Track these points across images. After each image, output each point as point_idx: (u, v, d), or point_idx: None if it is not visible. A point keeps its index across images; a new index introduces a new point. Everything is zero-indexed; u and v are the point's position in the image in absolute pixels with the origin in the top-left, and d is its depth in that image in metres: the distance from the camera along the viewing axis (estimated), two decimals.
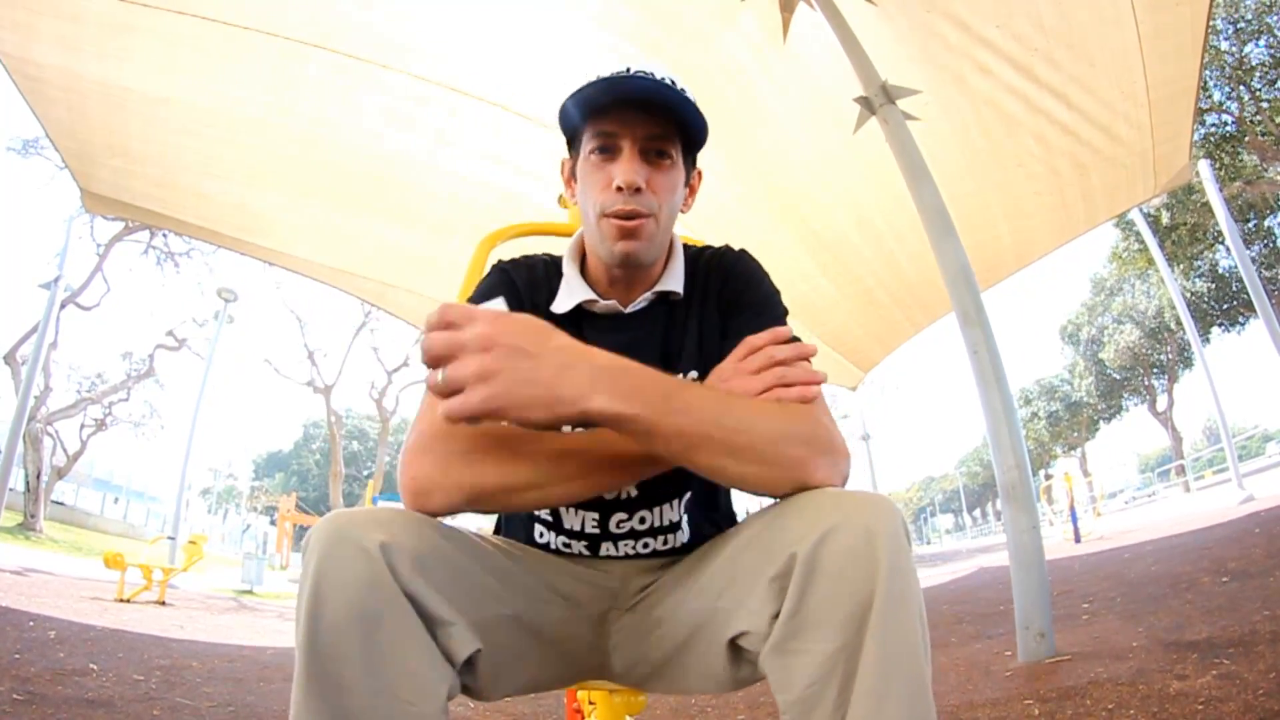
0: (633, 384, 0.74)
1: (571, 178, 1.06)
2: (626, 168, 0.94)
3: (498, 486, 0.78)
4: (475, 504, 0.78)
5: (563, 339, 0.75)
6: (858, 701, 0.65)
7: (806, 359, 0.86)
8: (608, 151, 0.96)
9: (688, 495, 1.03)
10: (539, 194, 4.42)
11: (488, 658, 0.77)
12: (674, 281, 1.04)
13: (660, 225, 0.98)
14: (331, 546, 0.68)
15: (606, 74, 0.95)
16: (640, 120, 0.95)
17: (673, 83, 0.96)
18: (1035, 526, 2.94)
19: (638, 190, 0.94)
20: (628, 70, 0.96)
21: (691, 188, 1.08)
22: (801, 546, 0.69)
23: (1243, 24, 14.86)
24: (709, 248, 1.12)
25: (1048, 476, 27.40)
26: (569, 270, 1.05)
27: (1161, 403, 30.73)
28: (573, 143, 1.03)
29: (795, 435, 0.78)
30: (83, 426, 21.90)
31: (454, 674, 0.73)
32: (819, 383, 0.85)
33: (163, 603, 8.23)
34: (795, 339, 0.94)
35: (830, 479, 0.78)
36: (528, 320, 0.75)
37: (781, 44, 3.65)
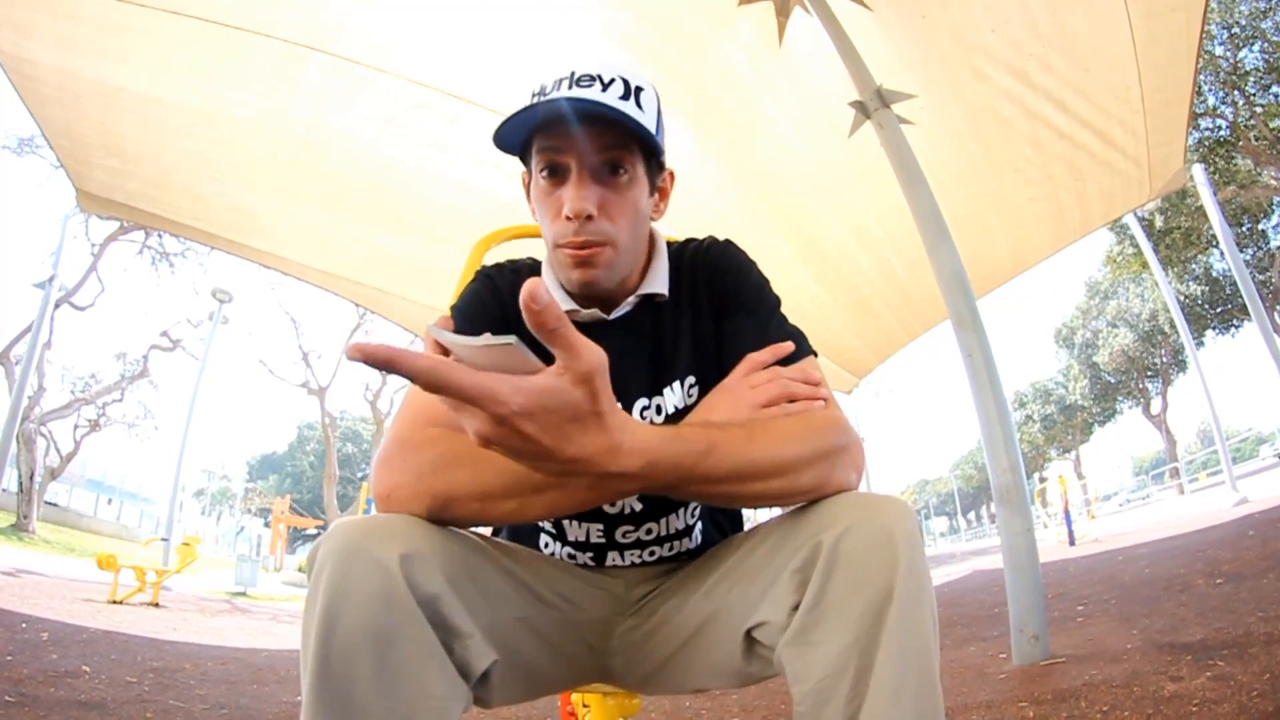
0: (660, 483, 0.71)
1: (529, 195, 1.00)
2: (574, 194, 0.87)
3: (471, 494, 0.74)
4: (447, 512, 0.75)
5: (561, 435, 0.61)
6: (873, 695, 0.65)
7: (813, 383, 0.87)
8: (555, 174, 0.89)
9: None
10: None
11: (499, 665, 0.76)
12: (658, 283, 0.99)
13: (621, 249, 0.92)
14: (345, 561, 0.66)
15: (549, 84, 0.88)
16: (587, 134, 0.86)
17: (627, 84, 0.88)
18: (1029, 529, 2.95)
19: (589, 218, 0.88)
20: (571, 75, 0.87)
21: (663, 191, 1.02)
22: (826, 537, 0.70)
23: (1237, 29, 14.94)
24: (691, 241, 1.07)
25: (1042, 479, 27.46)
26: (548, 279, 0.99)
27: (1155, 406, 30.86)
28: (525, 158, 0.96)
29: (811, 457, 0.77)
30: (76, 427, 21.83)
31: (468, 690, 0.72)
32: (821, 398, 0.85)
33: (156, 604, 8.19)
34: (798, 333, 0.94)
35: (845, 484, 0.78)
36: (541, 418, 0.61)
37: (777, 49, 3.66)
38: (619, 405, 0.68)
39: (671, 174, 1.03)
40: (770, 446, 0.77)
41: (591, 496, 0.77)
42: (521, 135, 0.90)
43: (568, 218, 0.87)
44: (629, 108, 0.86)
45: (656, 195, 1.00)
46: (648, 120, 0.89)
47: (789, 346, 0.89)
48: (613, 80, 0.87)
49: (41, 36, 3.48)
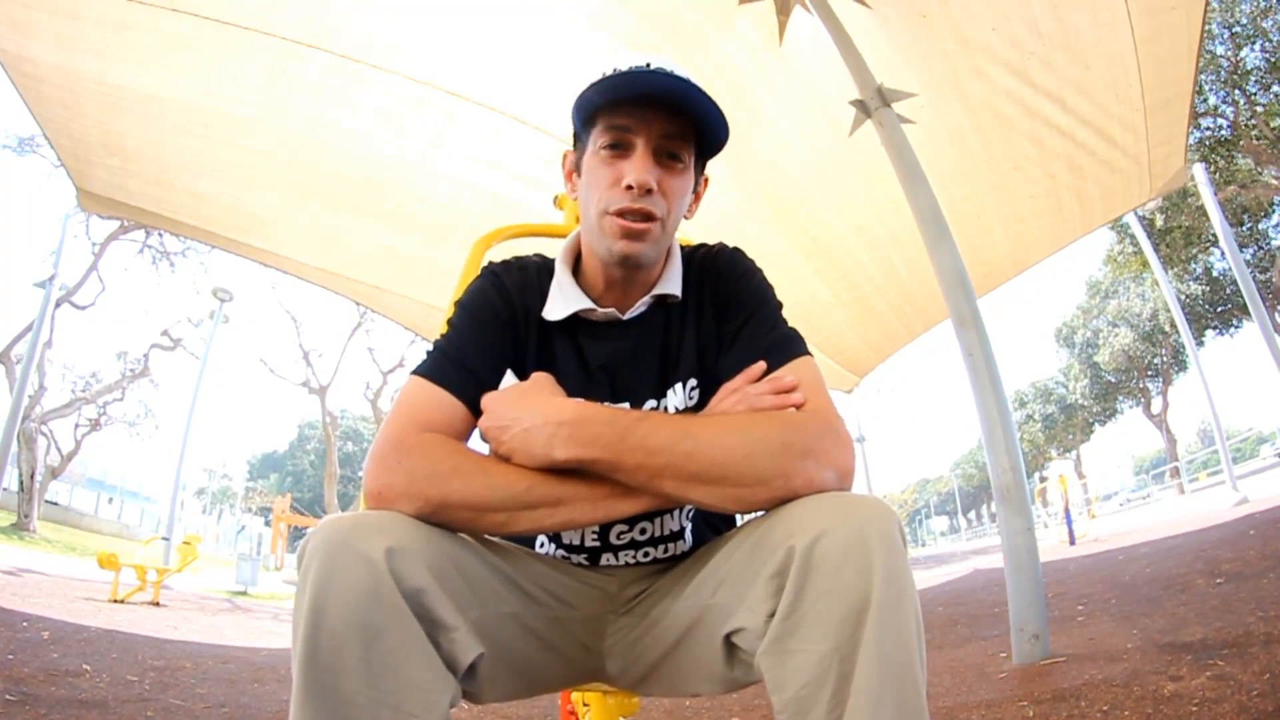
0: (590, 432, 0.78)
1: (574, 171, 1.02)
2: (639, 166, 0.91)
3: (461, 503, 0.77)
4: (436, 517, 0.76)
5: (528, 404, 0.83)
6: (853, 704, 0.65)
7: (786, 391, 0.87)
8: (619, 148, 0.93)
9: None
10: (535, 199, 4.41)
11: (487, 659, 0.77)
12: (672, 284, 1.01)
13: (666, 231, 0.95)
14: (331, 555, 0.67)
15: (625, 67, 0.91)
16: (657, 118, 0.91)
17: (692, 83, 0.92)
18: (1030, 528, 2.95)
19: (649, 191, 0.91)
20: (648, 65, 0.92)
21: (697, 195, 1.05)
22: (799, 541, 0.69)
23: (1238, 28, 14.92)
24: (702, 246, 1.10)
25: (1042, 478, 27.45)
26: (562, 275, 1.01)
27: (1156, 405, 30.85)
28: (580, 136, 1.00)
29: (765, 448, 0.77)
30: (77, 426, 21.84)
31: (456, 683, 0.72)
32: (792, 405, 0.85)
33: (157, 603, 8.20)
34: (792, 335, 0.95)
35: (818, 482, 0.77)
36: (508, 394, 0.87)
37: (778, 47, 3.66)
38: (565, 393, 0.88)
39: (707, 180, 1.07)
40: (713, 425, 0.80)
41: (577, 515, 0.80)
42: (602, 101, 0.92)
43: (628, 187, 0.91)
44: (709, 98, 0.91)
45: (693, 196, 1.03)
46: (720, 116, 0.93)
47: (760, 367, 0.90)
48: (684, 78, 0.92)
49: (42, 35, 3.48)
